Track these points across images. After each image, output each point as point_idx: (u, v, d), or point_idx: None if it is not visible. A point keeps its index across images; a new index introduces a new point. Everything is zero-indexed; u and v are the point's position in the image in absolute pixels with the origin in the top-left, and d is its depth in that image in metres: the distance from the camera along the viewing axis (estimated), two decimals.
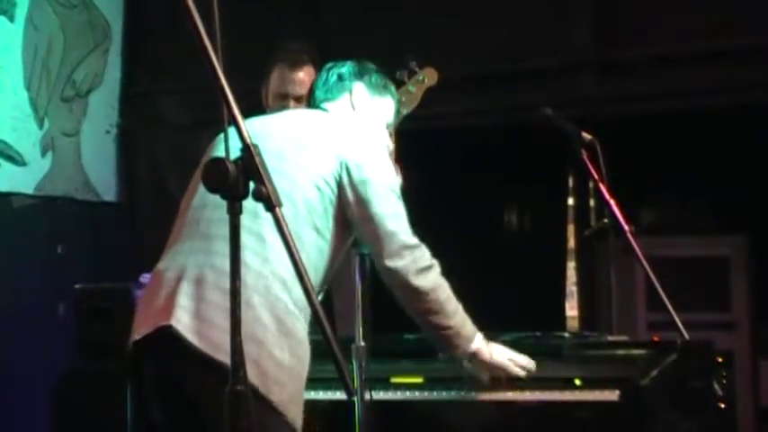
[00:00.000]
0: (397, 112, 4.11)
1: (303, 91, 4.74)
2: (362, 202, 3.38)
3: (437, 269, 3.49)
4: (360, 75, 3.75)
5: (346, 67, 3.77)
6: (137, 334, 3.26)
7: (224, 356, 3.01)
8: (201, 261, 3.22)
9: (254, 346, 3.11)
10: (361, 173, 3.38)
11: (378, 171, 3.42)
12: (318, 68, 4.78)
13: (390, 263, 3.40)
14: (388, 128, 3.80)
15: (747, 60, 6.07)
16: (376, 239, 3.40)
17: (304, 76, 4.75)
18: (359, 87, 3.74)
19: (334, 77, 3.75)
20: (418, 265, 3.43)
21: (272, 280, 3.17)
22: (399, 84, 4.13)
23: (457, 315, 3.54)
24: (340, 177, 3.37)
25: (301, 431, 3.22)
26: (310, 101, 3.80)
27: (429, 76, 4.17)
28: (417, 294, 3.44)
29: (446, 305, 3.50)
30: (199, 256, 3.24)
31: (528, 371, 3.73)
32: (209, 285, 3.15)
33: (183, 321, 3.13)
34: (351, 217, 3.39)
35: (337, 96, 3.73)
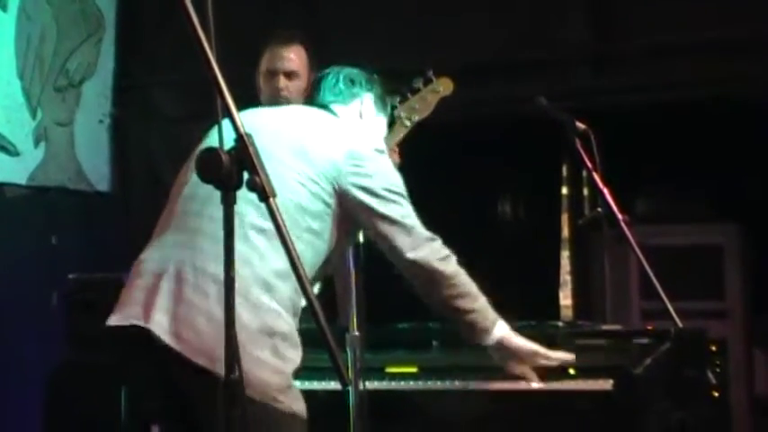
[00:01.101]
0: (410, 118, 4.12)
1: (293, 67, 4.73)
2: (375, 208, 3.40)
3: (454, 259, 3.52)
4: (370, 85, 3.74)
5: (356, 74, 3.75)
6: (112, 320, 3.26)
7: (204, 361, 3.04)
8: (183, 257, 3.21)
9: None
10: (369, 179, 3.40)
11: (384, 173, 3.45)
12: (311, 54, 4.78)
13: (413, 255, 3.42)
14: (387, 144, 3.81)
15: (742, 52, 6.08)
16: (395, 238, 3.42)
17: (294, 54, 4.74)
18: (368, 99, 3.73)
19: (346, 82, 3.72)
20: (440, 253, 3.47)
21: (252, 282, 3.16)
22: (415, 91, 4.13)
23: (481, 298, 3.56)
24: (340, 180, 3.37)
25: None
26: (312, 96, 3.76)
27: (444, 86, 4.16)
28: (443, 279, 3.47)
29: (470, 288, 3.54)
30: (182, 252, 3.23)
31: (562, 361, 3.71)
32: (188, 285, 3.14)
33: (161, 324, 3.13)
34: (364, 221, 3.42)
35: (347, 102, 3.70)
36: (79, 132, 6.99)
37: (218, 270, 3.06)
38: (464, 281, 3.52)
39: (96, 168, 7.10)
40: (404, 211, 3.46)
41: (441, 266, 3.46)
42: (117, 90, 7.20)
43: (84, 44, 7.01)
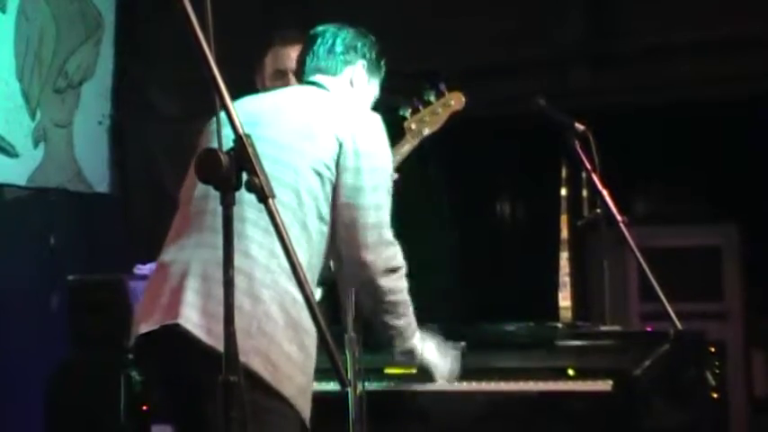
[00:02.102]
0: (420, 131, 4.11)
1: None
2: (350, 189, 3.35)
3: (403, 271, 3.46)
4: (363, 50, 3.69)
5: (352, 38, 3.70)
6: (142, 327, 3.24)
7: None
8: (207, 256, 3.18)
9: (265, 341, 3.11)
10: (357, 160, 3.35)
11: (373, 160, 3.39)
12: None
13: (363, 255, 3.37)
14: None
15: (740, 51, 6.08)
16: (354, 228, 3.36)
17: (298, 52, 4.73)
18: (361, 65, 3.68)
19: (339, 47, 3.67)
20: (388, 264, 3.41)
21: (279, 273, 3.16)
22: (426, 104, 4.13)
23: (404, 317, 3.52)
24: (338, 159, 3.35)
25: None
26: (303, 68, 3.71)
27: (456, 100, 4.15)
28: (377, 293, 3.42)
29: (398, 307, 3.49)
30: (205, 251, 3.21)
31: (447, 381, 3.76)
32: (215, 281, 3.08)
33: (191, 319, 3.12)
34: (336, 199, 3.35)
35: (339, 71, 3.65)
36: (78, 133, 6.99)
37: (244, 264, 3.08)
38: (397, 299, 3.46)
39: (95, 169, 7.10)
40: (377, 201, 3.38)
41: (380, 280, 3.39)
42: (116, 90, 7.19)
43: (84, 45, 7.01)
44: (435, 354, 3.72)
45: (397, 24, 6.46)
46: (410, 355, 3.62)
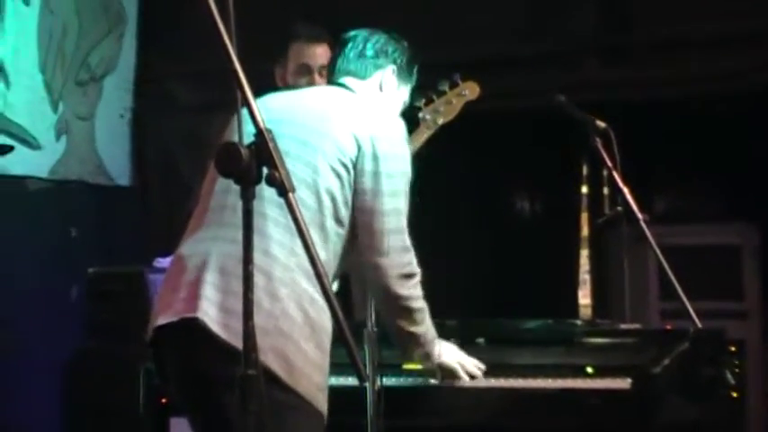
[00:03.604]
0: (434, 121, 4.10)
1: (325, 62, 4.72)
2: (369, 192, 3.34)
3: (418, 278, 3.46)
4: (394, 56, 3.68)
5: (384, 42, 3.69)
6: (160, 319, 3.25)
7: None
8: (227, 250, 3.17)
9: (283, 340, 3.11)
10: (376, 164, 3.35)
11: (391, 164, 3.38)
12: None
13: (379, 260, 3.37)
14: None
15: (759, 45, 6.05)
16: (371, 232, 3.36)
17: (324, 50, 4.72)
18: (391, 71, 3.68)
19: (370, 51, 3.66)
20: (403, 270, 3.40)
21: (298, 272, 3.16)
22: (440, 93, 4.12)
23: (422, 324, 3.52)
24: (356, 162, 3.34)
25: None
26: (333, 70, 3.71)
27: (471, 90, 4.15)
28: (392, 298, 3.42)
29: (415, 314, 3.48)
30: (224, 245, 3.20)
31: (474, 376, 3.75)
32: (234, 276, 3.08)
33: (209, 313, 3.12)
34: (355, 203, 3.35)
35: (368, 74, 3.65)
36: (100, 126, 7.01)
37: (264, 262, 3.08)
38: (412, 305, 3.46)
39: (116, 162, 7.12)
40: (395, 206, 3.38)
41: (395, 285, 3.39)
42: (137, 82, 7.21)
43: (106, 39, 7.03)
44: (455, 353, 3.72)
45: (410, 19, 6.45)
46: (428, 360, 3.63)
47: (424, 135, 4.11)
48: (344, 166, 3.32)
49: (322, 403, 3.22)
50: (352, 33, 3.74)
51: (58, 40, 6.67)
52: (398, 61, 3.70)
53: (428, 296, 3.51)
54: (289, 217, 2.92)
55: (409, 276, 3.42)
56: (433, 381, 3.75)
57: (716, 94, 6.19)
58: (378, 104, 3.61)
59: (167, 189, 7.07)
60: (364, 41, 3.68)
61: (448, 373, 3.73)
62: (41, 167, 6.60)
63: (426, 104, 4.11)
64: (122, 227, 6.94)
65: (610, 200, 4.51)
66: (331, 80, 3.71)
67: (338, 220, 3.31)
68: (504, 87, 6.21)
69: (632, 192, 4.38)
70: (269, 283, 3.14)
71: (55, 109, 6.68)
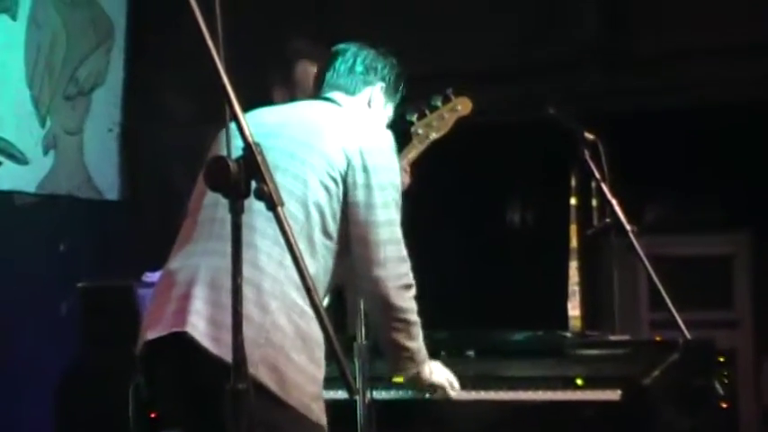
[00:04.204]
0: (427, 136, 4.10)
1: (312, 80, 4.70)
2: (361, 205, 3.34)
3: (413, 291, 3.45)
4: (383, 73, 3.68)
5: (374, 59, 3.68)
6: (148, 334, 3.24)
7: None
8: (216, 264, 3.17)
9: (274, 352, 3.11)
10: (367, 177, 3.35)
11: (384, 176, 3.38)
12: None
13: (376, 271, 3.36)
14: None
15: (755, 55, 6.07)
16: (366, 244, 3.36)
17: (313, 67, 4.70)
18: (379, 88, 3.68)
19: (360, 67, 3.66)
20: (400, 281, 3.40)
21: (288, 284, 3.16)
22: (433, 108, 4.13)
23: (417, 340, 3.51)
24: (346, 176, 3.34)
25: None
26: (321, 83, 3.70)
27: (463, 105, 4.15)
28: (390, 309, 3.41)
29: (411, 328, 3.47)
30: (213, 259, 3.20)
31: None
32: (224, 290, 3.03)
33: (198, 327, 3.12)
34: (348, 216, 3.35)
35: (357, 90, 3.64)
36: (88, 141, 7.00)
37: (253, 274, 3.08)
38: (410, 318, 3.45)
39: (105, 177, 7.11)
40: (388, 218, 3.38)
41: (393, 296, 3.38)
42: (127, 95, 7.20)
43: (95, 52, 7.02)
44: (442, 370, 3.72)
45: (408, 28, 6.46)
46: (420, 380, 3.62)
47: (415, 149, 4.11)
48: (333, 179, 3.32)
49: (318, 414, 3.21)
50: (341, 47, 3.74)
51: (46, 55, 6.66)
52: (387, 78, 3.70)
53: (418, 307, 3.51)
54: (277, 229, 2.93)
55: (407, 287, 3.43)
56: (427, 395, 3.74)
57: (710, 103, 6.21)
58: (365, 117, 3.61)
59: (158, 203, 7.06)
60: (354, 56, 3.68)
61: (439, 390, 3.72)
62: (29, 182, 6.59)
63: (419, 119, 4.11)
64: (111, 241, 6.93)
65: (599, 211, 4.52)
66: (319, 94, 3.70)
67: (327, 234, 3.31)
68: (503, 98, 6.23)
69: (625, 200, 4.39)
70: (259, 295, 3.14)
71: (43, 123, 6.67)
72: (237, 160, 2.37)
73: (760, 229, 6.53)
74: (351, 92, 3.64)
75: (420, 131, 4.11)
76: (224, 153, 2.41)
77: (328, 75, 3.69)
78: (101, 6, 7.05)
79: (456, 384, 3.75)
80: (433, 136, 4.12)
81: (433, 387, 3.70)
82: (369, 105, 3.67)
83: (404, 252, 3.42)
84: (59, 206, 6.76)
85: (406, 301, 3.42)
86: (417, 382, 3.63)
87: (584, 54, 6.45)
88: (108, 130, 7.15)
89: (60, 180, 6.78)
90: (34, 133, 6.61)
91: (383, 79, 3.69)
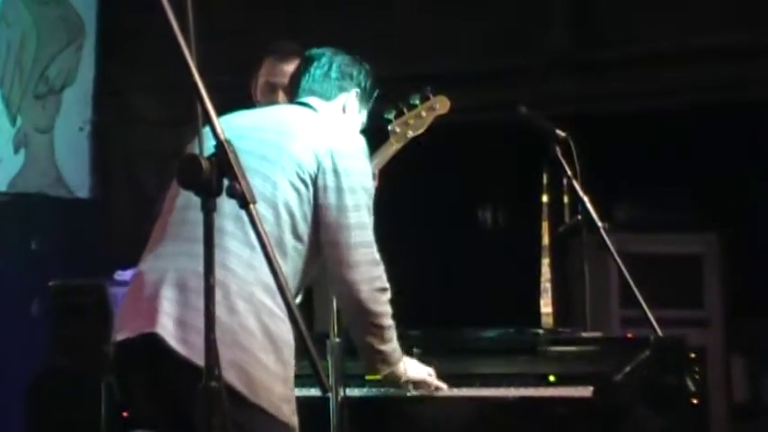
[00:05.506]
0: (404, 134, 4.10)
1: None
2: (333, 208, 3.34)
3: (388, 294, 3.44)
4: (359, 79, 3.68)
5: (346, 64, 3.68)
6: (120, 335, 3.24)
7: None
8: (184, 265, 3.16)
9: (241, 353, 3.11)
10: (338, 179, 3.34)
11: (354, 179, 3.37)
12: None
13: (348, 275, 3.35)
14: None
15: (723, 59, 6.11)
16: (337, 247, 3.34)
17: (293, 68, 4.70)
18: (354, 94, 3.68)
19: (335, 72, 3.65)
20: (374, 284, 3.39)
21: (256, 285, 3.15)
22: (411, 107, 4.13)
23: (391, 342, 3.50)
24: (316, 178, 3.34)
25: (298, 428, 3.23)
26: (295, 88, 3.69)
27: (441, 104, 4.15)
28: (364, 314, 3.40)
29: (384, 331, 3.46)
30: (182, 260, 3.19)
31: (440, 387, 3.75)
32: (192, 291, 3.09)
33: (167, 328, 3.12)
34: (320, 219, 3.34)
35: (333, 96, 3.63)
36: (59, 139, 6.98)
37: (220, 275, 3.05)
38: (383, 322, 3.43)
39: (76, 175, 7.09)
40: (360, 220, 3.37)
41: (367, 300, 3.37)
42: (97, 95, 7.18)
43: (65, 51, 6.99)
44: (418, 367, 3.71)
45: (383, 32, 6.47)
46: (395, 379, 3.61)
47: (393, 147, 4.11)
48: (303, 181, 3.32)
49: (288, 415, 3.21)
50: (316, 51, 3.73)
51: (16, 53, 6.63)
52: (362, 84, 3.70)
53: (390, 305, 3.50)
54: (247, 231, 2.93)
55: (382, 291, 3.41)
56: (410, 391, 3.73)
57: (680, 106, 6.25)
58: (338, 121, 3.61)
59: (130, 202, 7.05)
60: (329, 62, 3.67)
61: (418, 385, 3.72)
62: (0, 180, 6.55)
63: (397, 117, 4.11)
64: (83, 239, 6.91)
65: (570, 208, 4.54)
66: (294, 98, 3.70)
67: (297, 236, 3.30)
68: (475, 101, 6.25)
69: (597, 200, 4.41)
70: (226, 296, 3.13)
71: (13, 122, 6.64)
72: (210, 158, 2.37)
73: (729, 229, 6.57)
74: (327, 97, 3.64)
75: (398, 129, 4.11)
76: (197, 151, 2.40)
77: (303, 79, 3.68)
78: (71, 4, 7.03)
79: (434, 378, 3.74)
80: (411, 134, 4.12)
81: (413, 383, 3.69)
82: (343, 111, 3.67)
83: (376, 255, 3.41)
84: (30, 204, 6.73)
85: (381, 306, 3.41)
86: (394, 380, 3.63)
87: (554, 60, 6.48)
88: (79, 129, 7.12)
89: (31, 178, 6.76)
90: (4, 132, 6.59)
91: (358, 85, 3.69)
